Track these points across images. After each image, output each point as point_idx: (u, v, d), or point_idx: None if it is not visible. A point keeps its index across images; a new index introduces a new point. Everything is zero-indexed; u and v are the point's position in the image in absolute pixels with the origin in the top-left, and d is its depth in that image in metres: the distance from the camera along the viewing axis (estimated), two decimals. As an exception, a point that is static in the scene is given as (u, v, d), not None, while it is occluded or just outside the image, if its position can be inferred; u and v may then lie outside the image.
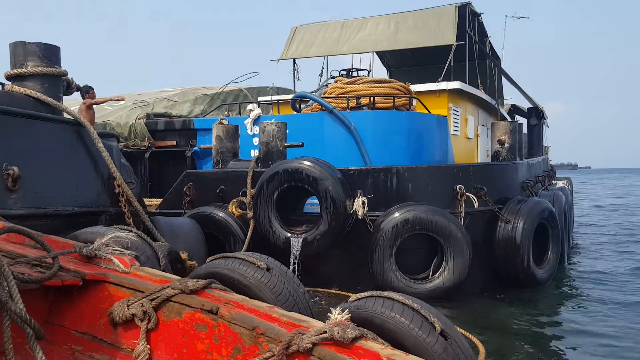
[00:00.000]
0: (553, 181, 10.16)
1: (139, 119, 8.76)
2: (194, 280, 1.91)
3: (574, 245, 9.38)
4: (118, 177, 3.96)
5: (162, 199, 6.73)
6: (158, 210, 6.45)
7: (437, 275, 5.32)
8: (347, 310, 1.70)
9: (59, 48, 4.10)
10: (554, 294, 5.89)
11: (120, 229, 3.04)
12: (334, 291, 5.59)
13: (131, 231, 2.96)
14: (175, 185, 6.50)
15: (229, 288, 2.01)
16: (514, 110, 14.44)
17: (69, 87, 4.24)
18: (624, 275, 6.88)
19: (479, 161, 9.92)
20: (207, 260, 2.57)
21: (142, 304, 1.85)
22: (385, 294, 1.98)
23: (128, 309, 1.85)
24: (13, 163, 3.36)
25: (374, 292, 2.00)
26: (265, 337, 1.64)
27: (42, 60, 3.92)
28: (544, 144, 14.74)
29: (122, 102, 10.52)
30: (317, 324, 1.62)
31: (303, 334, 1.54)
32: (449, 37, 8.70)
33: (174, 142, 8.41)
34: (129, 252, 2.18)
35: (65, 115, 3.98)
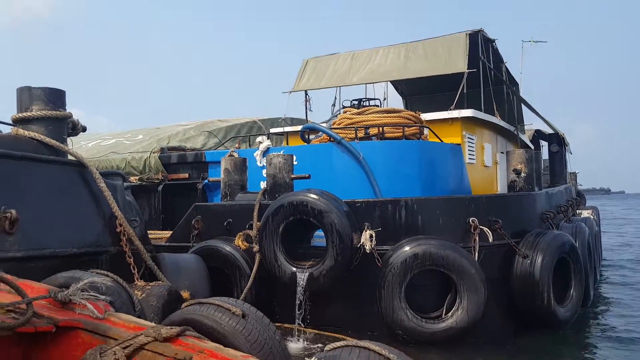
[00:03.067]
0: (578, 211, 9.78)
1: (153, 152, 8.83)
2: (168, 327, 1.87)
3: (601, 282, 8.86)
4: (120, 216, 3.96)
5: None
6: (167, 244, 6.39)
7: (450, 314, 5.03)
8: None
9: (64, 92, 4.23)
10: (576, 337, 5.49)
11: (97, 273, 2.97)
12: (339, 335, 5.32)
13: (107, 275, 2.90)
14: (185, 218, 6.44)
15: (204, 335, 1.98)
16: (538, 135, 14.10)
17: (75, 129, 4.34)
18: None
19: (499, 190, 9.63)
20: (182, 306, 2.47)
21: (115, 352, 1.82)
22: (362, 343, 1.90)
23: (100, 357, 1.82)
24: (11, 206, 3.40)
25: (350, 342, 1.92)
26: None
27: (47, 104, 4.06)
28: (569, 171, 14.33)
29: (140, 137, 10.69)
30: None
31: None
32: (460, 64, 8.58)
33: (187, 175, 8.43)
34: (103, 297, 2.14)
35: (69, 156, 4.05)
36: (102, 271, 3.05)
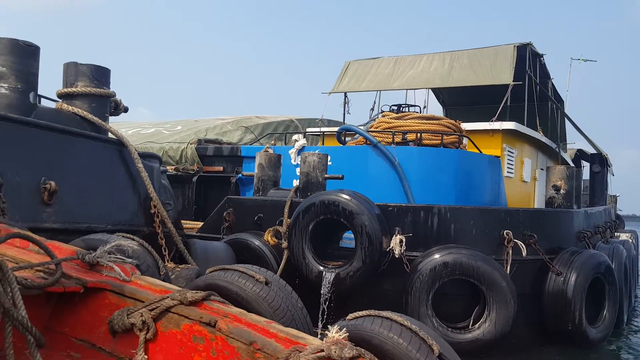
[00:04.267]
0: (616, 233, 9.44)
1: (190, 144, 8.98)
2: (193, 291, 1.89)
3: (636, 305, 8.52)
4: (155, 197, 4.00)
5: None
6: (197, 234, 6.48)
7: (477, 325, 4.93)
8: (344, 329, 1.68)
9: (109, 70, 4.28)
10: (605, 357, 5.30)
11: (123, 236, 3.02)
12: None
13: (133, 239, 2.94)
14: (216, 210, 6.52)
15: (228, 300, 2.00)
16: (580, 155, 13.70)
17: (117, 108, 4.40)
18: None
19: (536, 206, 9.39)
20: (207, 271, 2.49)
21: (142, 313, 1.85)
22: (384, 313, 1.91)
23: (127, 318, 1.86)
24: (51, 177, 3.45)
25: (372, 311, 1.94)
26: (262, 352, 1.62)
27: (92, 81, 4.12)
28: (609, 193, 13.85)
29: (179, 127, 10.89)
30: (315, 342, 1.61)
31: (300, 352, 1.54)
32: (505, 76, 8.42)
33: (221, 168, 8.54)
34: (130, 260, 2.17)
35: (110, 134, 4.12)
36: (128, 235, 3.09)
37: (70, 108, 3.95)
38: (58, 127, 3.64)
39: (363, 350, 1.58)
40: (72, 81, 4.08)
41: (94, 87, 4.05)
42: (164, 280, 2.40)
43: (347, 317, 1.96)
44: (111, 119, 4.71)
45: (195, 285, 2.40)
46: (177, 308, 1.83)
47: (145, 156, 4.18)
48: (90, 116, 3.95)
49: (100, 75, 4.13)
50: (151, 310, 1.84)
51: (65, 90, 4.07)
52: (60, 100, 4.11)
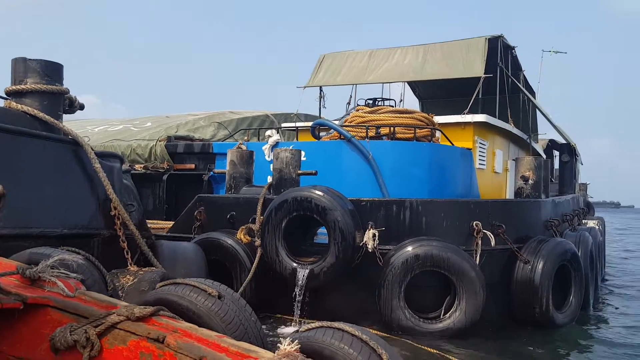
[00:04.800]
0: (584, 221, 9.66)
1: (160, 141, 8.82)
2: (142, 307, 1.86)
3: (603, 290, 8.75)
4: (114, 199, 3.86)
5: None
6: (168, 234, 6.39)
7: (448, 315, 5.01)
8: (296, 341, 1.69)
9: (61, 66, 4.04)
10: (571, 339, 5.45)
11: (67, 250, 2.94)
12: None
13: (78, 253, 2.87)
14: (187, 209, 6.44)
15: (179, 315, 1.98)
16: (552, 145, 13.94)
17: (72, 106, 4.18)
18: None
19: (508, 197, 9.54)
20: (157, 286, 2.46)
21: (86, 330, 1.80)
22: (336, 324, 1.94)
23: (70, 335, 1.80)
24: None
25: (325, 323, 1.97)
26: None
27: (43, 78, 3.86)
28: (579, 182, 14.15)
29: (148, 124, 10.68)
30: (266, 355, 1.60)
31: None
32: (477, 69, 8.50)
33: (193, 166, 8.41)
34: (74, 275, 2.10)
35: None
36: (73, 249, 3.01)
37: (19, 106, 3.72)
38: (5, 127, 3.45)
39: None
40: (21, 78, 3.84)
41: (45, 83, 3.83)
42: (111, 296, 2.35)
43: (300, 329, 1.98)
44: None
45: (144, 300, 2.36)
46: (123, 324, 1.79)
47: (104, 155, 4.03)
48: (41, 114, 3.71)
49: (52, 71, 3.90)
50: (96, 326, 1.80)
51: (14, 87, 3.83)
52: (9, 99, 3.86)
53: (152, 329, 1.77)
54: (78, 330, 1.79)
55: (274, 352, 1.62)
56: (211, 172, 7.91)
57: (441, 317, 5.05)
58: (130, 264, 3.74)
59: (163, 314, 1.86)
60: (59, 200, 3.67)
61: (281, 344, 1.64)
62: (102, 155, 3.99)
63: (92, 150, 3.83)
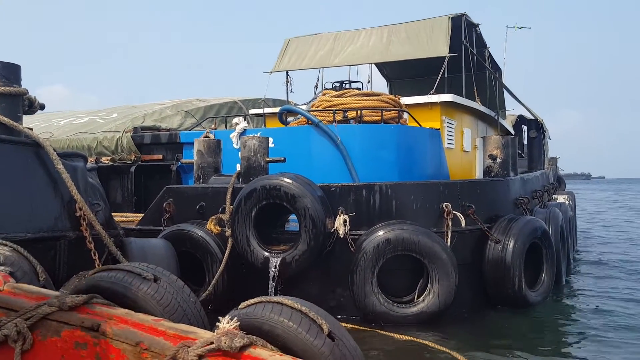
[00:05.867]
0: (554, 196, 9.85)
1: (126, 132, 8.60)
2: (74, 295, 1.81)
3: (576, 265, 8.97)
4: (79, 199, 3.76)
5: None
6: (137, 227, 6.26)
7: (421, 298, 5.04)
8: (235, 318, 1.70)
9: (19, 66, 4.00)
10: (545, 316, 5.56)
11: None
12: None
13: (5, 245, 2.78)
14: (156, 201, 6.30)
15: (114, 302, 1.94)
16: (521, 121, 14.11)
17: (31, 106, 4.10)
18: (625, 296, 6.54)
19: (478, 175, 9.64)
20: (89, 273, 2.39)
21: (16, 323, 1.75)
22: (275, 299, 1.93)
23: (0, 329, 1.76)
24: None
25: (264, 298, 1.96)
26: (150, 352, 1.59)
27: (0, 80, 3.80)
28: (549, 156, 14.41)
29: (114, 115, 10.41)
30: (205, 335, 1.60)
31: (189, 347, 1.51)
32: (441, 48, 8.50)
33: (161, 156, 8.23)
34: (2, 268, 2.03)
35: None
36: (1, 241, 2.92)
37: (-26, 110, 3.65)
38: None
39: (254, 337, 1.60)
40: None
41: (3, 85, 3.74)
42: (43, 287, 2.29)
43: (240, 306, 1.95)
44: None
45: (76, 289, 2.29)
46: (55, 315, 1.75)
47: (67, 155, 3.94)
48: None
49: (9, 72, 3.83)
50: (26, 319, 1.75)
51: (-31, 90, 3.74)
52: None
53: (86, 317, 1.74)
54: (8, 325, 1.74)
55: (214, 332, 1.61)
56: (179, 162, 7.76)
57: (415, 300, 5.07)
58: (98, 265, 3.65)
59: (97, 302, 1.83)
60: (22, 204, 3.59)
61: (220, 322, 1.64)
62: (64, 155, 3.90)
63: (54, 151, 3.73)
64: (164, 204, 6.10)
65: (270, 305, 1.88)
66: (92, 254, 3.65)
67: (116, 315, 1.74)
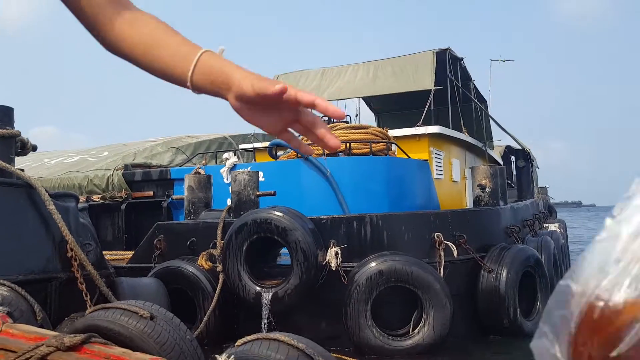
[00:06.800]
0: (545, 224, 9.90)
1: (117, 170, 8.60)
2: (71, 335, 1.78)
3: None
4: (70, 240, 3.74)
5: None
6: (128, 265, 6.18)
7: (416, 330, 4.98)
8: (232, 356, 1.71)
9: (12, 109, 4.03)
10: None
11: None
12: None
13: (3, 285, 2.74)
14: (146, 238, 6.25)
15: (111, 341, 1.92)
16: (509, 151, 14.31)
17: (24, 148, 4.13)
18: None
19: (468, 205, 9.69)
20: (86, 312, 2.37)
21: None
22: (271, 335, 1.93)
23: None
24: None
25: (260, 335, 1.96)
26: None
27: None
28: (539, 185, 14.55)
29: (105, 153, 10.42)
30: None
31: None
32: (427, 82, 8.69)
33: (152, 193, 8.20)
34: (0, 308, 1.99)
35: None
36: None
37: (-33, 153, 3.67)
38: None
39: None
40: None
41: None
42: (41, 326, 2.25)
43: (236, 343, 1.94)
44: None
45: (74, 328, 2.27)
46: (54, 355, 1.72)
47: (59, 196, 3.93)
48: None
49: (3, 114, 3.86)
50: None
51: (-38, 133, 3.77)
52: None
53: (84, 357, 1.72)
54: None
55: None
56: (170, 199, 7.74)
57: (410, 333, 5.02)
58: (90, 306, 3.60)
59: (95, 341, 1.80)
60: (12, 246, 3.55)
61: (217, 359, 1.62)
62: (56, 196, 3.89)
63: (46, 192, 3.73)
64: (155, 241, 6.05)
65: (267, 342, 1.88)
66: (84, 295, 3.60)
67: (114, 355, 1.73)
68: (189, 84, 0.96)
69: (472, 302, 5.46)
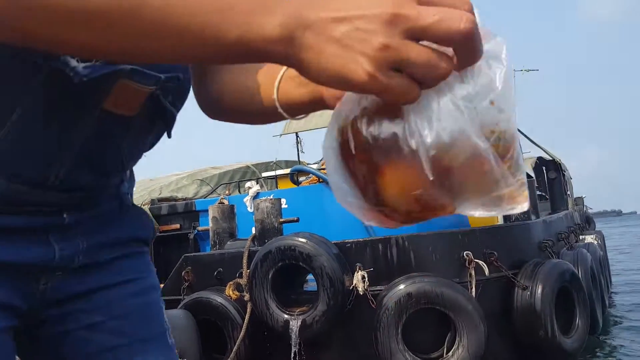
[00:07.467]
0: (582, 236, 9.54)
1: (144, 205, 8.73)
2: None
3: (611, 307, 8.51)
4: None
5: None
6: (156, 299, 6.21)
7: (450, 353, 4.80)
8: None
9: None
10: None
11: None
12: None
13: None
14: (174, 270, 6.28)
15: None
16: (541, 162, 13.91)
17: None
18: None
19: (500, 220, 9.43)
20: None
21: None
22: None
23: None
24: None
25: None
26: None
27: None
28: (574, 195, 14.07)
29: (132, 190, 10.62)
30: None
31: None
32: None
33: (178, 225, 8.29)
34: None
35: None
36: None
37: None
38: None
39: None
40: None
41: None
42: None
43: None
44: None
45: None
46: None
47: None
48: None
49: None
50: None
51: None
52: None
53: None
54: None
55: None
56: (196, 230, 7.80)
57: (444, 355, 4.84)
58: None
59: None
60: None
61: None
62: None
63: None
64: (183, 273, 6.07)
65: None
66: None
67: None
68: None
69: (508, 320, 5.23)
